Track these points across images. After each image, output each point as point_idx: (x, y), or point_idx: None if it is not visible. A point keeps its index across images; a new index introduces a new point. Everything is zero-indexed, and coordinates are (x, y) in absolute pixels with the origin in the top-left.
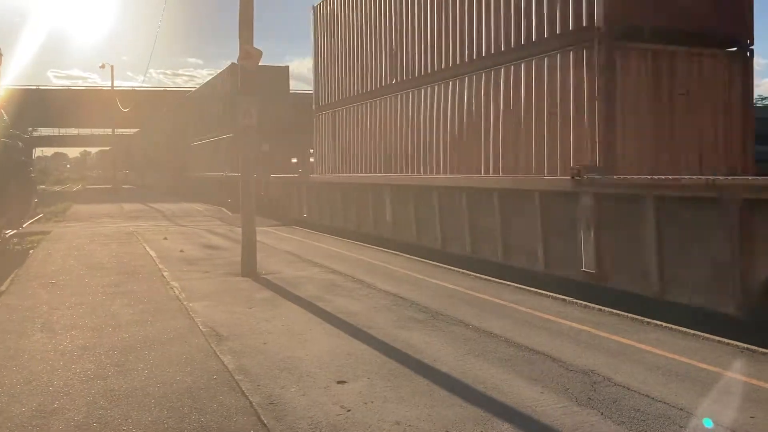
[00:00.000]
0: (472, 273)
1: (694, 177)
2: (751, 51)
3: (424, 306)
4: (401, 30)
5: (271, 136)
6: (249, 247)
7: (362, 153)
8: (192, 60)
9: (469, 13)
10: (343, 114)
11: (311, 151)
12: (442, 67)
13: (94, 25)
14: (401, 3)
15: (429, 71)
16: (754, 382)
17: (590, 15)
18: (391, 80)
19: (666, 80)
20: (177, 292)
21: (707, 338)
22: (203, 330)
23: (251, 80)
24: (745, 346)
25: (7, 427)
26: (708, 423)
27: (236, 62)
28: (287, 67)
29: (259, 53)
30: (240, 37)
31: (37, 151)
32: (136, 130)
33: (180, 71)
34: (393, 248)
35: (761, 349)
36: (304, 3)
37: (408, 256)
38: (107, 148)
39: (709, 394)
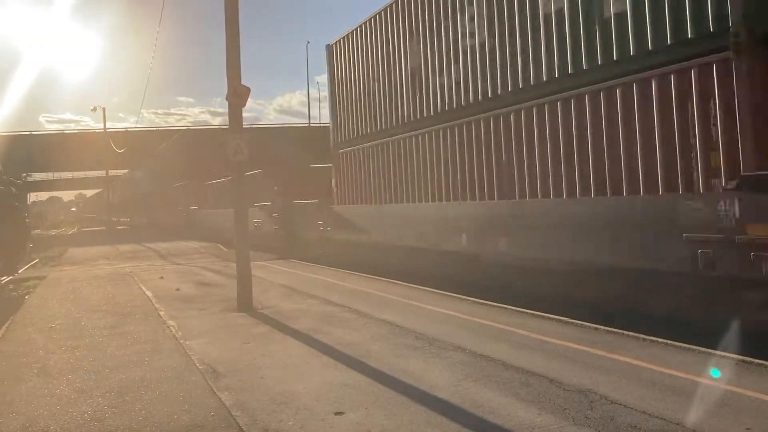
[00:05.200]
0: (469, 298)
1: None
2: None
3: (421, 333)
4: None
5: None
6: (244, 282)
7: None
8: (183, 99)
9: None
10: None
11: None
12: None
13: (84, 69)
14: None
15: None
16: (750, 393)
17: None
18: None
19: None
20: (173, 330)
21: (704, 352)
22: (200, 367)
23: (240, 117)
24: (741, 358)
25: None
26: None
27: (225, 99)
28: None
29: (247, 90)
30: (228, 75)
31: (32, 196)
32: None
33: (172, 110)
34: (388, 276)
35: (756, 360)
36: (293, 39)
37: (404, 283)
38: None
39: (705, 408)
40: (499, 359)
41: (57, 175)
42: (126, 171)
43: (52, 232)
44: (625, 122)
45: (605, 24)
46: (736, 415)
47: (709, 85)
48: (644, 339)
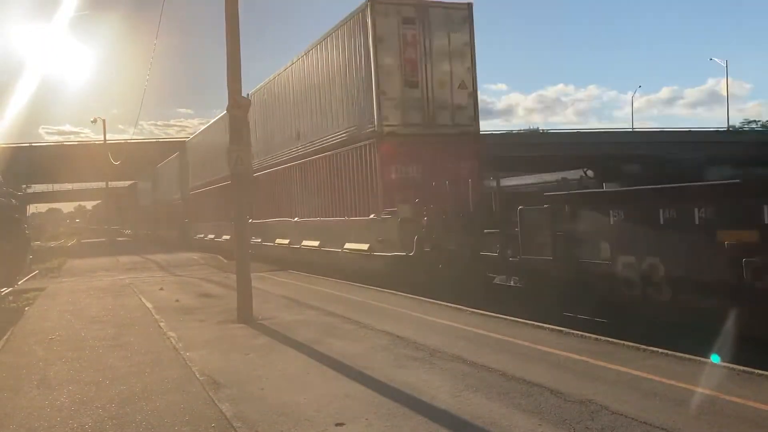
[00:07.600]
0: (468, 308)
1: None
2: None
3: (421, 344)
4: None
5: None
6: (244, 294)
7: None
8: (183, 110)
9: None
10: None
11: None
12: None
13: (84, 80)
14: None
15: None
16: (751, 403)
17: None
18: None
19: None
20: (174, 341)
21: (704, 362)
22: (201, 378)
23: (241, 128)
24: (742, 368)
25: None
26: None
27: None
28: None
29: (248, 102)
30: (228, 87)
31: (31, 208)
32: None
33: (171, 121)
34: (382, 285)
35: (758, 371)
36: (292, 51)
37: (403, 294)
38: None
39: (706, 418)
40: (500, 370)
41: (56, 186)
42: (126, 183)
43: (52, 243)
44: (347, 174)
45: (335, 116)
46: (737, 425)
47: (371, 157)
48: (644, 350)
